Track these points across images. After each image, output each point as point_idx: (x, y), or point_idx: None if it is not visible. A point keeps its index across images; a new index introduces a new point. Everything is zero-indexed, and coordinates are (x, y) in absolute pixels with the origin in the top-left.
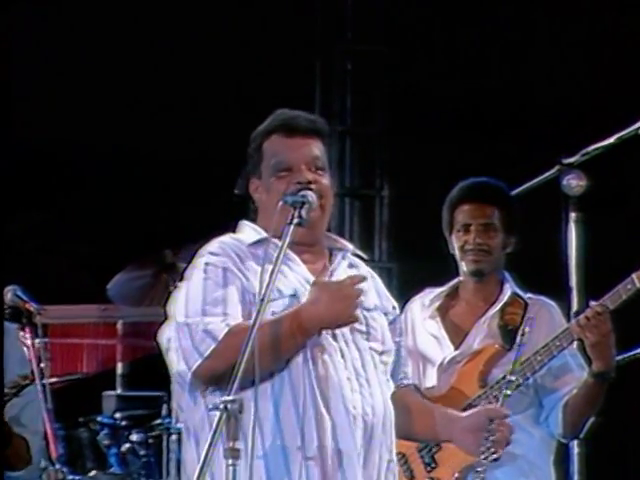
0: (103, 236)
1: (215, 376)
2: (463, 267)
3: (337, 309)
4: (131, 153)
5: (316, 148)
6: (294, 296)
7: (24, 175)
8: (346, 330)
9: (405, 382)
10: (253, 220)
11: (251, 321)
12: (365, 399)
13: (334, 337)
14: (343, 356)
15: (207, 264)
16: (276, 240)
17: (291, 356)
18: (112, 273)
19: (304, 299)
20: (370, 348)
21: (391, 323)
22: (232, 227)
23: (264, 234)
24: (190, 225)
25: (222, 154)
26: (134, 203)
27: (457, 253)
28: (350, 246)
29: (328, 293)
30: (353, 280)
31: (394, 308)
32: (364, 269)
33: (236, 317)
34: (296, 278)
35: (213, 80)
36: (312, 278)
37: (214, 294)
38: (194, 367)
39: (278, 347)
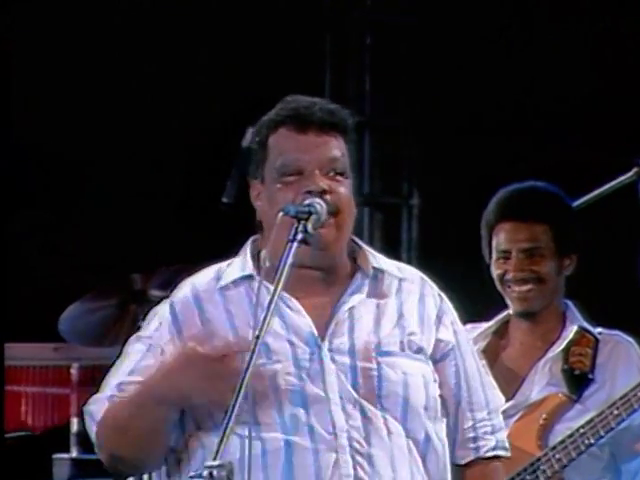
0: (102, 236)
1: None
2: (509, 304)
3: (202, 388)
4: (132, 154)
5: (335, 147)
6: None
7: (24, 175)
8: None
9: (476, 454)
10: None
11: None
12: None
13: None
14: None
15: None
16: (267, 283)
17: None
18: (111, 274)
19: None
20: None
21: (439, 361)
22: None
23: (248, 270)
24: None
25: (216, 155)
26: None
27: (498, 285)
28: (371, 262)
29: (193, 368)
30: (226, 355)
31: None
32: (408, 288)
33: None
34: (286, 336)
35: (209, 77)
36: (313, 330)
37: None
38: None
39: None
